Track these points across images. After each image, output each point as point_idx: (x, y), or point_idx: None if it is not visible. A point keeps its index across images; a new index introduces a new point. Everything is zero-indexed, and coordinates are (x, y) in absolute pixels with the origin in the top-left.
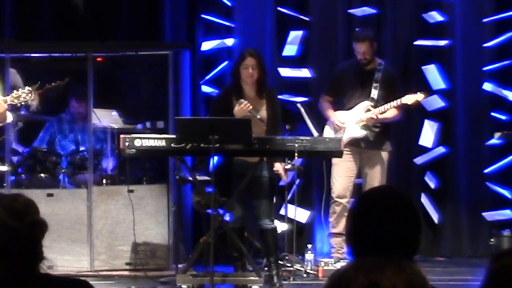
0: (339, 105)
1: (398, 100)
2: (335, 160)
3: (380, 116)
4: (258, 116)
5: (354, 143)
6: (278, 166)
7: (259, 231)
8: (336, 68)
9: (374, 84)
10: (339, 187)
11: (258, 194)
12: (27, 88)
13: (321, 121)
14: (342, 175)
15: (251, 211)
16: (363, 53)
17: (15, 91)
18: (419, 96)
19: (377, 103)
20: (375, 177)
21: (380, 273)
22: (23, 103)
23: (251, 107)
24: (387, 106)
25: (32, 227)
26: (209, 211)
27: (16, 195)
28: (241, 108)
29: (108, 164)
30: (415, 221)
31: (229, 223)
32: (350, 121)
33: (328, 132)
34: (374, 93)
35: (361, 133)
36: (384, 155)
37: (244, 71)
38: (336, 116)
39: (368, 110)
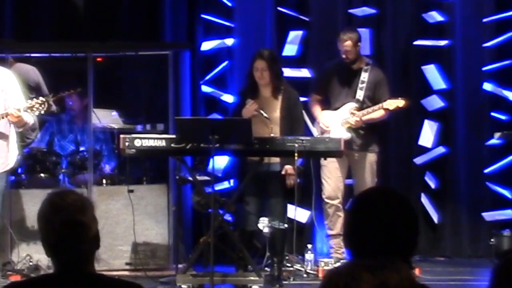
0: (327, 104)
1: (380, 105)
2: (323, 162)
3: (366, 118)
4: (266, 115)
5: None
6: (288, 168)
7: (270, 230)
8: (324, 66)
9: (360, 85)
10: (328, 188)
11: (272, 193)
12: (40, 98)
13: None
14: (331, 176)
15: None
16: (346, 52)
17: (29, 101)
18: (400, 102)
19: (362, 105)
20: (365, 178)
21: (386, 272)
22: (36, 113)
23: (257, 106)
24: (369, 110)
25: (67, 226)
26: (209, 210)
27: (70, 192)
28: (247, 108)
29: (107, 167)
30: (413, 222)
31: (241, 225)
32: (336, 123)
33: (315, 133)
34: (360, 94)
35: (346, 135)
36: (372, 156)
37: (256, 73)
38: (322, 118)
39: (352, 113)
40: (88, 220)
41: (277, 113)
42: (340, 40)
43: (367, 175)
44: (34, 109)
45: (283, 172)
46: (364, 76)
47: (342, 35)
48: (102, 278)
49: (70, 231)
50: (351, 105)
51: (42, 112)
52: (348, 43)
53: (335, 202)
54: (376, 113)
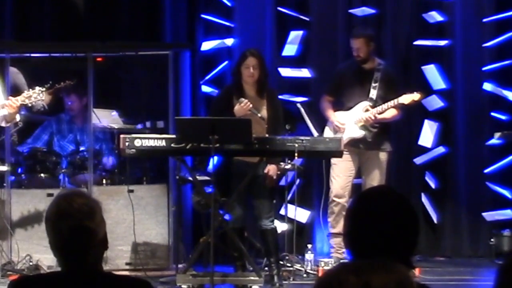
0: (339, 105)
1: (395, 100)
2: (334, 160)
3: (379, 116)
4: (259, 115)
5: (353, 144)
6: (270, 168)
7: (259, 231)
8: (337, 68)
9: (373, 84)
10: (337, 186)
11: (258, 194)
12: (38, 88)
13: (321, 121)
14: (340, 174)
15: (251, 211)
16: (357, 49)
17: (26, 91)
18: (415, 96)
19: (375, 103)
20: (374, 178)
21: (371, 274)
22: (34, 103)
23: (251, 105)
24: (384, 106)
25: (75, 232)
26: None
27: (77, 195)
28: (242, 107)
29: (108, 161)
30: (413, 222)
31: (229, 223)
32: (349, 122)
33: (328, 133)
34: (373, 93)
35: (359, 133)
36: (383, 155)
37: (245, 71)
38: (335, 117)
39: (367, 110)
40: (96, 226)
41: (265, 112)
42: (352, 37)
43: (377, 174)
44: (32, 98)
45: (265, 171)
46: (377, 75)
47: (354, 32)
48: (110, 275)
49: (78, 237)
50: (365, 104)
51: (40, 101)
52: (360, 40)
53: (342, 200)
54: (389, 112)
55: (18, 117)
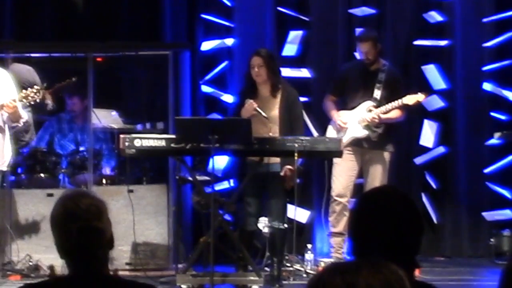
0: (342, 105)
1: (399, 101)
2: (336, 160)
3: (383, 117)
4: (264, 114)
5: (356, 143)
6: (287, 169)
7: (269, 230)
8: (341, 67)
9: (377, 85)
10: (339, 186)
11: (273, 193)
12: (35, 87)
13: (321, 121)
14: (343, 174)
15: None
16: (366, 53)
17: (23, 90)
18: (419, 97)
19: (379, 104)
20: (376, 177)
21: (356, 274)
22: (32, 102)
23: (255, 105)
24: (388, 106)
25: (85, 233)
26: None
27: (83, 196)
28: (246, 107)
29: (107, 170)
30: (417, 222)
31: (241, 225)
32: (352, 121)
33: (331, 132)
34: (377, 93)
35: (362, 133)
36: (386, 155)
37: (252, 71)
38: (338, 116)
39: (370, 110)
40: (104, 225)
41: (276, 112)
42: (359, 40)
43: (379, 175)
44: (30, 97)
45: (282, 173)
46: (381, 76)
47: (361, 35)
48: (117, 280)
49: (87, 238)
50: (368, 104)
51: (38, 100)
52: (369, 43)
53: (343, 200)
54: (393, 113)
55: (26, 116)
